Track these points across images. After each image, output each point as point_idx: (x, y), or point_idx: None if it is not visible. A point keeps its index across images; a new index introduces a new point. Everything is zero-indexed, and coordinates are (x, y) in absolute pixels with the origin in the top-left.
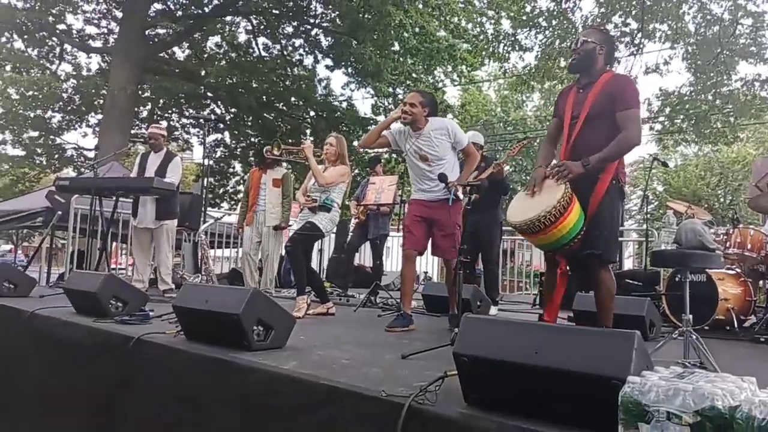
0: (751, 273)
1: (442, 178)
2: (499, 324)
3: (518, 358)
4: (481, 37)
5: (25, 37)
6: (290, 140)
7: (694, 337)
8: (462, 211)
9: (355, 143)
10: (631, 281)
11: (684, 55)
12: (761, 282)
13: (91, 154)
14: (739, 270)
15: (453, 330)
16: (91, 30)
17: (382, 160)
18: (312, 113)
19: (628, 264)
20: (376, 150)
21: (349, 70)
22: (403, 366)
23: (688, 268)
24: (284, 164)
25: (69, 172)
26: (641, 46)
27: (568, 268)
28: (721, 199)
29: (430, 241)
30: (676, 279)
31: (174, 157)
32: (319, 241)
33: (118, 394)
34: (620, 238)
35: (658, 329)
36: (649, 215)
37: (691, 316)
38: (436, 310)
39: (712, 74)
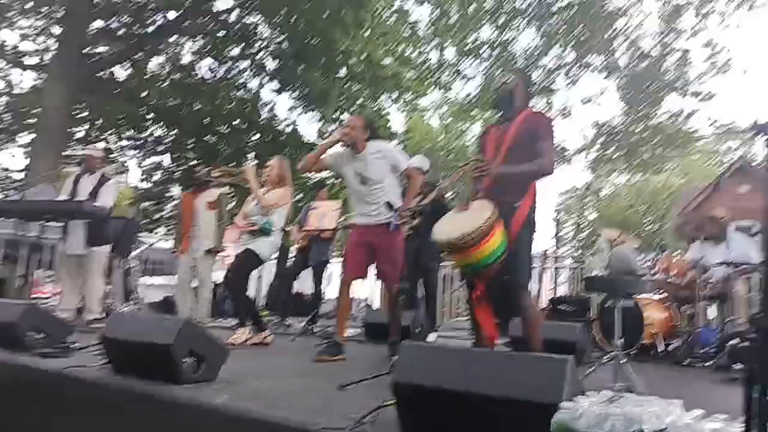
0: (675, 298)
1: (390, 206)
2: (437, 351)
3: (455, 385)
4: (425, 66)
5: None
6: (232, 163)
7: (623, 361)
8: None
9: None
10: (562, 307)
11: (618, 85)
12: (684, 307)
13: (20, 176)
14: (664, 295)
15: (392, 358)
16: (26, 46)
17: (326, 186)
18: (256, 137)
19: (561, 290)
20: (318, 175)
21: (296, 93)
22: (340, 396)
23: (619, 293)
24: (218, 185)
25: None
26: (576, 78)
27: (483, 291)
28: (648, 227)
29: (371, 268)
30: (606, 305)
31: (108, 180)
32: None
33: None
34: (554, 265)
35: (588, 354)
36: (581, 242)
37: (621, 341)
38: (376, 338)
39: (641, 107)
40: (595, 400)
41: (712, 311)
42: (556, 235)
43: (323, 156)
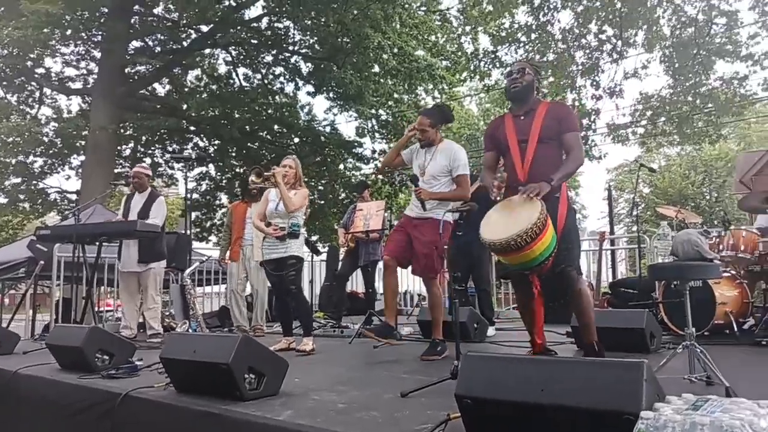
0: (746, 274)
1: (414, 179)
2: (501, 361)
3: (523, 396)
4: (460, 54)
5: (4, 83)
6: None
7: (699, 350)
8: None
9: (342, 167)
10: (626, 290)
11: (661, 58)
12: (757, 282)
13: (75, 197)
14: (734, 272)
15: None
16: (70, 72)
17: (369, 186)
18: (296, 139)
19: (620, 268)
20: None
21: (331, 94)
22: (402, 406)
23: (688, 280)
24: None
25: (53, 216)
26: (623, 53)
27: (539, 288)
28: (707, 197)
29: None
30: (673, 286)
31: (158, 197)
32: (310, 270)
33: None
34: (611, 247)
35: (658, 340)
36: (637, 218)
37: (693, 329)
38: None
39: (690, 75)
40: (677, 405)
41: None
42: (610, 212)
43: (402, 152)
